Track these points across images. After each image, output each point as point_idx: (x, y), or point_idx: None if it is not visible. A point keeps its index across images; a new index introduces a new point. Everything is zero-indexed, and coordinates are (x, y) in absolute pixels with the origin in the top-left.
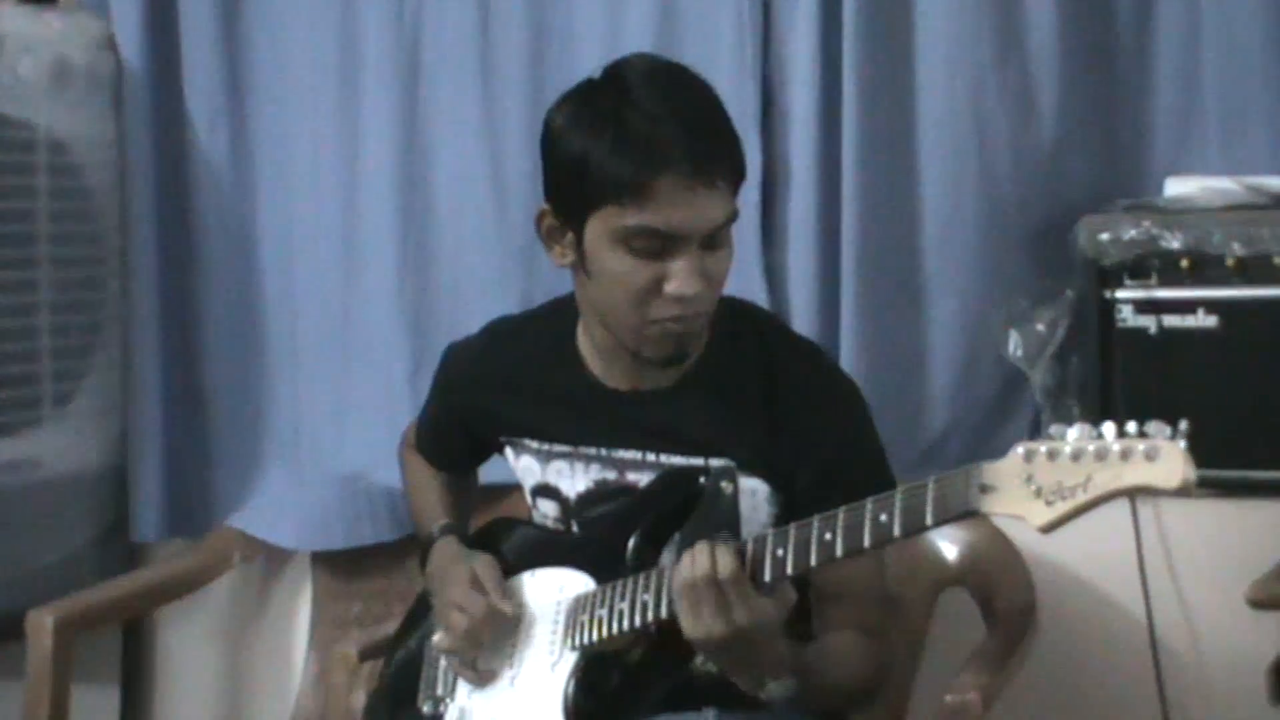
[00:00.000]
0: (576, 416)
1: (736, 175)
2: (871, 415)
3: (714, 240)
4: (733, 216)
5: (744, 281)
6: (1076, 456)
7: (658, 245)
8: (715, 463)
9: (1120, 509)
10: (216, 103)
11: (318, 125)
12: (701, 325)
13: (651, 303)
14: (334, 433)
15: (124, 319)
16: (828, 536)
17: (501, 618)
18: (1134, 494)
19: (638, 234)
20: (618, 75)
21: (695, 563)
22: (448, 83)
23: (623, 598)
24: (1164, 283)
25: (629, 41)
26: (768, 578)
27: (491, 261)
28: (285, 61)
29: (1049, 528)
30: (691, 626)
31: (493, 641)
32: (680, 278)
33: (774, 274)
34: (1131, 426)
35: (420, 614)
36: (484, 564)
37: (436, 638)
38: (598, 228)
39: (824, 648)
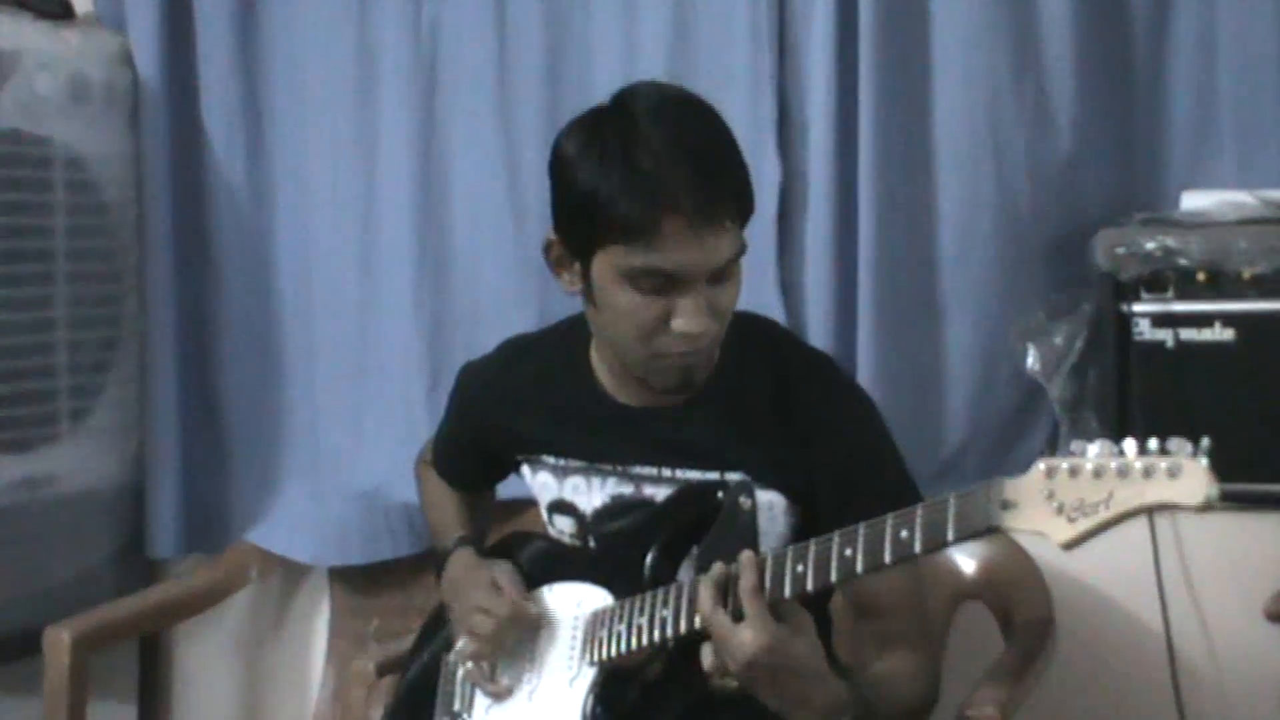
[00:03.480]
0: (592, 432)
1: (744, 212)
2: (885, 423)
3: (721, 275)
4: (740, 252)
5: (760, 296)
6: (1098, 473)
7: (663, 283)
8: (731, 476)
9: (1138, 522)
10: (233, 118)
11: (334, 140)
12: (707, 356)
13: (657, 338)
14: (351, 448)
15: (141, 335)
16: (848, 553)
17: (525, 618)
18: (1156, 511)
19: (644, 274)
20: (625, 107)
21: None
22: (464, 98)
23: (641, 613)
24: (1181, 296)
25: (645, 58)
26: (787, 593)
27: (508, 277)
28: (302, 77)
29: (1071, 544)
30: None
31: (511, 654)
32: (686, 315)
33: (790, 288)
34: (1153, 443)
35: (435, 629)
36: (503, 570)
37: (459, 645)
38: (604, 263)
39: (880, 675)
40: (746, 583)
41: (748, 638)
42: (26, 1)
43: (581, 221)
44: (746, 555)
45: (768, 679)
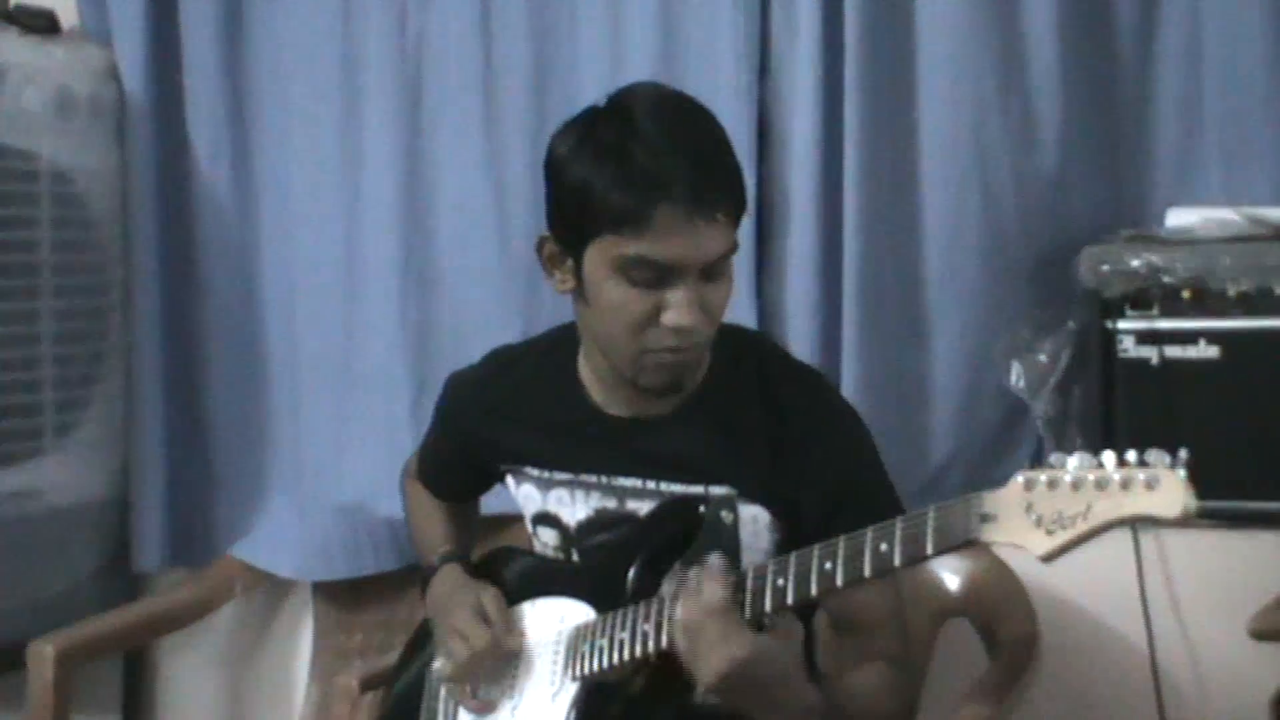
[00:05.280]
0: (577, 444)
1: (737, 208)
2: (873, 440)
3: (713, 272)
4: (732, 249)
5: (737, 310)
6: (1077, 485)
7: (655, 275)
8: (716, 490)
9: (1122, 539)
10: (219, 133)
11: (320, 154)
12: (697, 356)
13: (648, 332)
14: (335, 462)
15: (126, 349)
16: (828, 566)
17: (502, 651)
18: (1134, 523)
19: (636, 264)
20: (623, 105)
21: (695, 600)
22: (449, 111)
23: (623, 628)
24: (1166, 313)
25: (629, 69)
26: (768, 607)
27: (493, 290)
28: (287, 91)
29: (1049, 557)
30: (695, 667)
31: (493, 672)
32: (678, 309)
33: (775, 304)
34: (1132, 455)
35: (422, 644)
36: (490, 596)
37: (436, 664)
38: (597, 256)
39: (852, 685)
40: (715, 595)
41: (723, 651)
42: (13, 16)
43: (575, 214)
44: (714, 565)
45: (742, 689)
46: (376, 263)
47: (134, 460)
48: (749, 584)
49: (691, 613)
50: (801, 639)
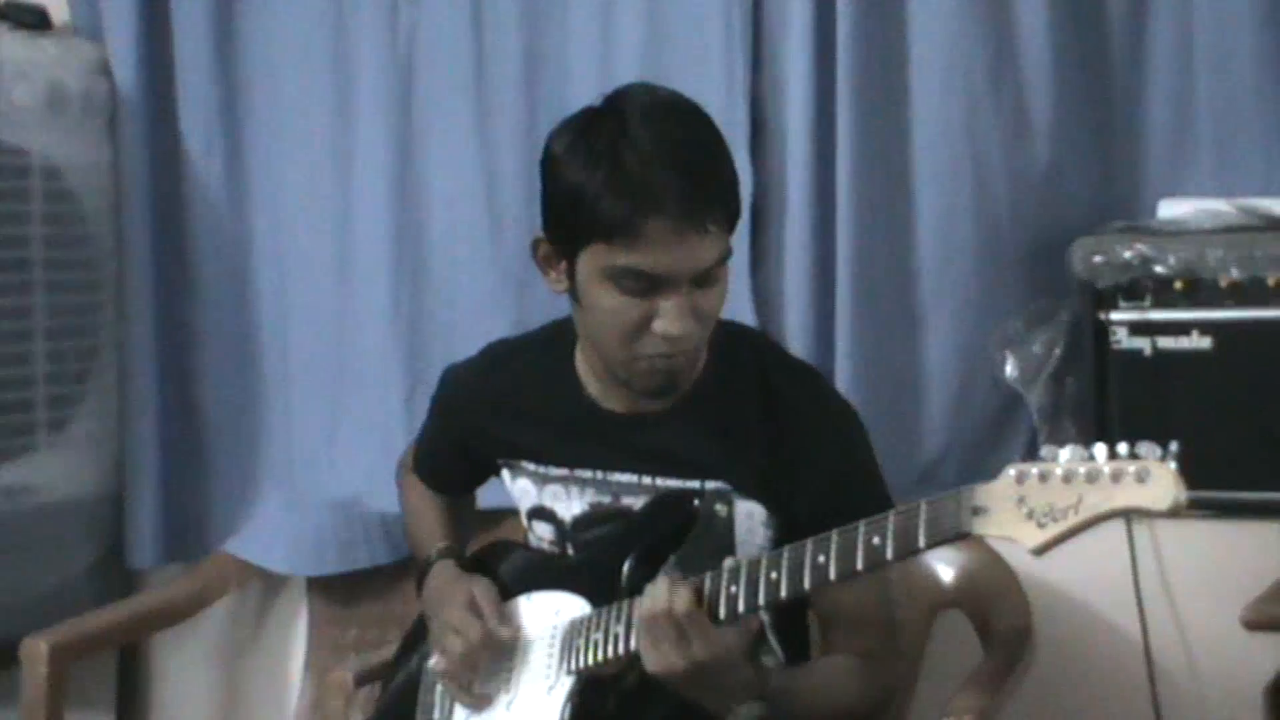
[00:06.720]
0: (573, 439)
1: (730, 218)
2: (869, 438)
3: (705, 279)
4: (725, 256)
5: (732, 304)
6: (1068, 478)
7: (646, 285)
8: (711, 485)
9: (1116, 530)
10: (211, 128)
11: (312, 150)
12: (690, 360)
13: (640, 339)
14: (329, 457)
15: (119, 345)
16: (821, 559)
17: (498, 644)
18: (1125, 515)
19: (626, 274)
20: (617, 109)
21: (654, 598)
22: (441, 107)
23: (618, 621)
24: (1158, 304)
25: (620, 65)
26: (761, 600)
27: (485, 286)
28: (280, 87)
29: (1041, 550)
30: (651, 661)
31: (489, 665)
32: (669, 317)
33: (769, 297)
34: (1123, 448)
35: (418, 638)
36: (482, 588)
37: (433, 660)
38: (589, 262)
39: (812, 671)
40: (682, 602)
41: (690, 650)
42: (4, 12)
43: (567, 219)
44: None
45: (687, 678)
46: (368, 257)
47: (128, 456)
48: (742, 577)
49: (647, 614)
50: (759, 628)
